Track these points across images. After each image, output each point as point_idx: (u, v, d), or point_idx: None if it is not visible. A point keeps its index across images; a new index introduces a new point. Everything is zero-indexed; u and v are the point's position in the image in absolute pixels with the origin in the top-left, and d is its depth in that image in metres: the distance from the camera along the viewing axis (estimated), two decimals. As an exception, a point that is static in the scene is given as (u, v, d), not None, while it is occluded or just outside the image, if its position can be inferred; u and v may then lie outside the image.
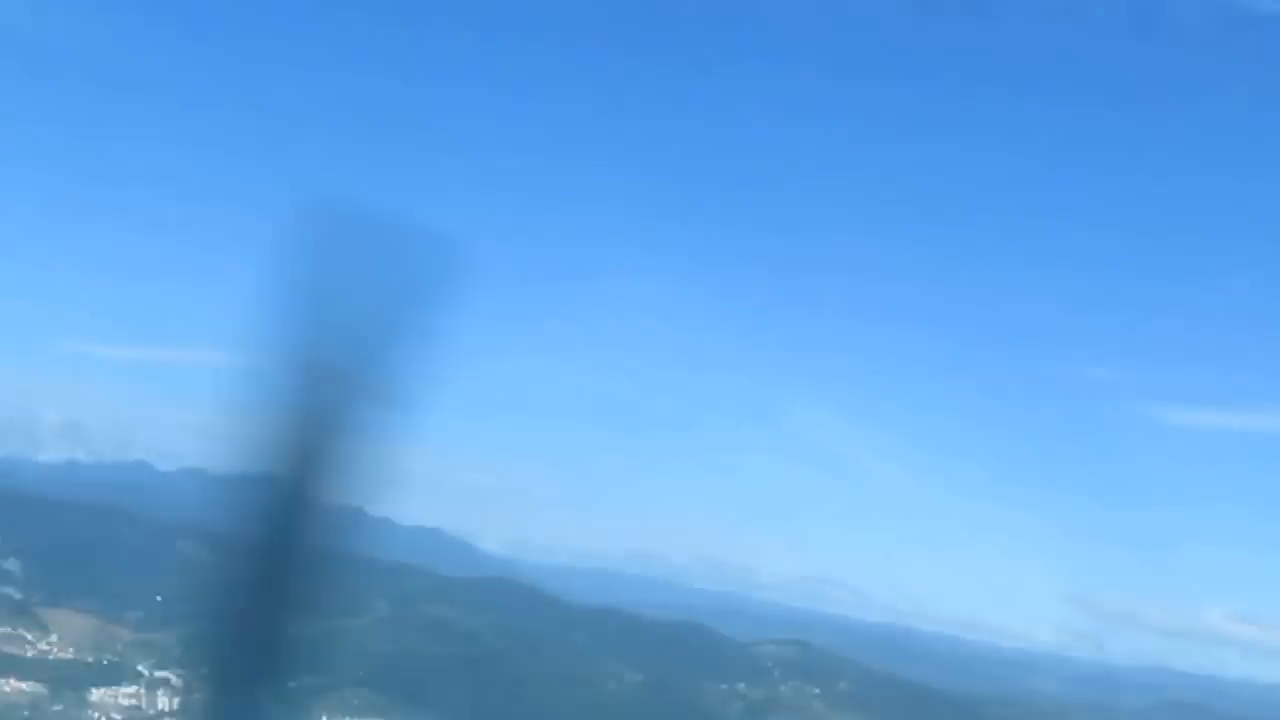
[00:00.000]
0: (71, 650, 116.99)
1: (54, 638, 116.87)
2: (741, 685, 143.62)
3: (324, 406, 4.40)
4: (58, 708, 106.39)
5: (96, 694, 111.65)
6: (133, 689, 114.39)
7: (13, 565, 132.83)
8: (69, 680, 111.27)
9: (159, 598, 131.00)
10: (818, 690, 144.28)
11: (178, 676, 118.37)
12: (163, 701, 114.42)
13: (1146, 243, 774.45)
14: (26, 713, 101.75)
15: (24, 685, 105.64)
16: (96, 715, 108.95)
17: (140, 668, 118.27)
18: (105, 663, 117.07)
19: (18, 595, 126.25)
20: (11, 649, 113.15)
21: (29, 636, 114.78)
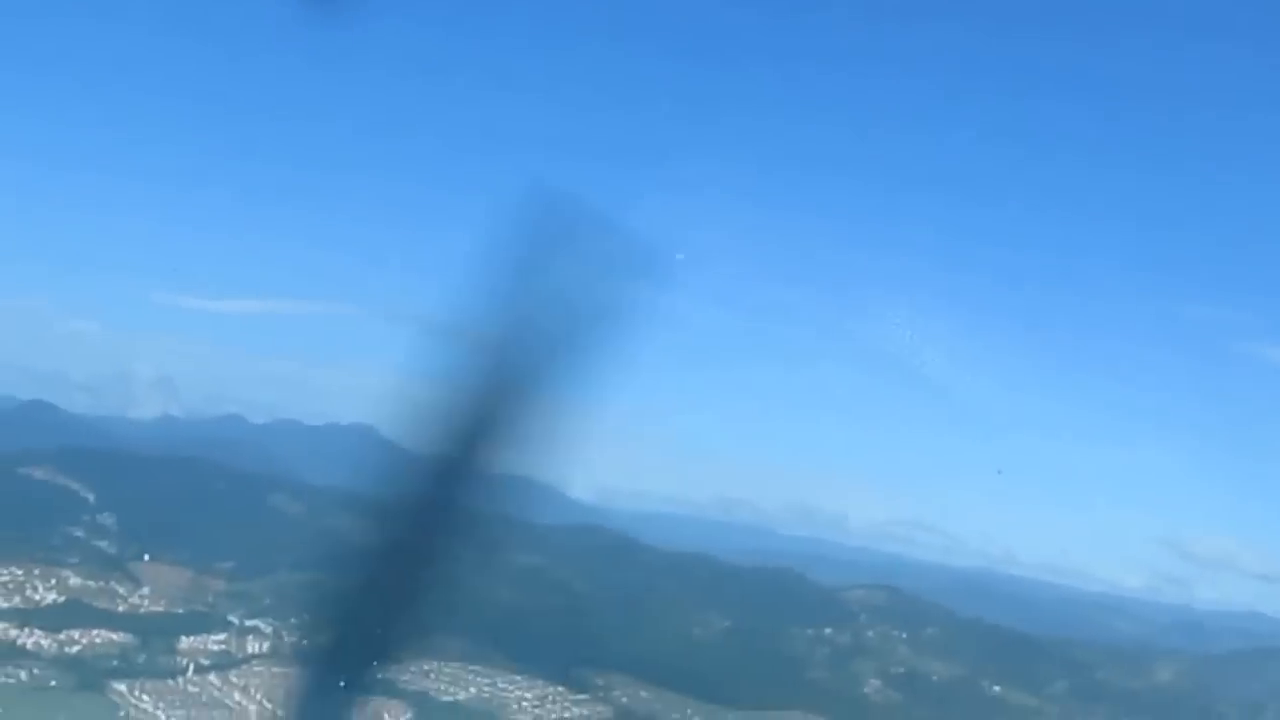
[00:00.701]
0: (163, 603, 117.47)
1: (145, 590, 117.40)
2: (828, 630, 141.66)
3: (504, 377, 4.18)
4: (142, 658, 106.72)
5: (186, 642, 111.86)
6: (222, 636, 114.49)
7: (107, 520, 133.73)
8: (159, 629, 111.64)
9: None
10: (905, 635, 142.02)
11: (268, 625, 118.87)
12: (252, 646, 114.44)
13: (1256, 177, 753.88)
14: (115, 661, 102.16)
15: (114, 636, 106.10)
16: (184, 661, 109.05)
17: (231, 617, 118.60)
18: (196, 613, 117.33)
19: (111, 550, 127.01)
20: (103, 603, 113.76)
21: (121, 590, 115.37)
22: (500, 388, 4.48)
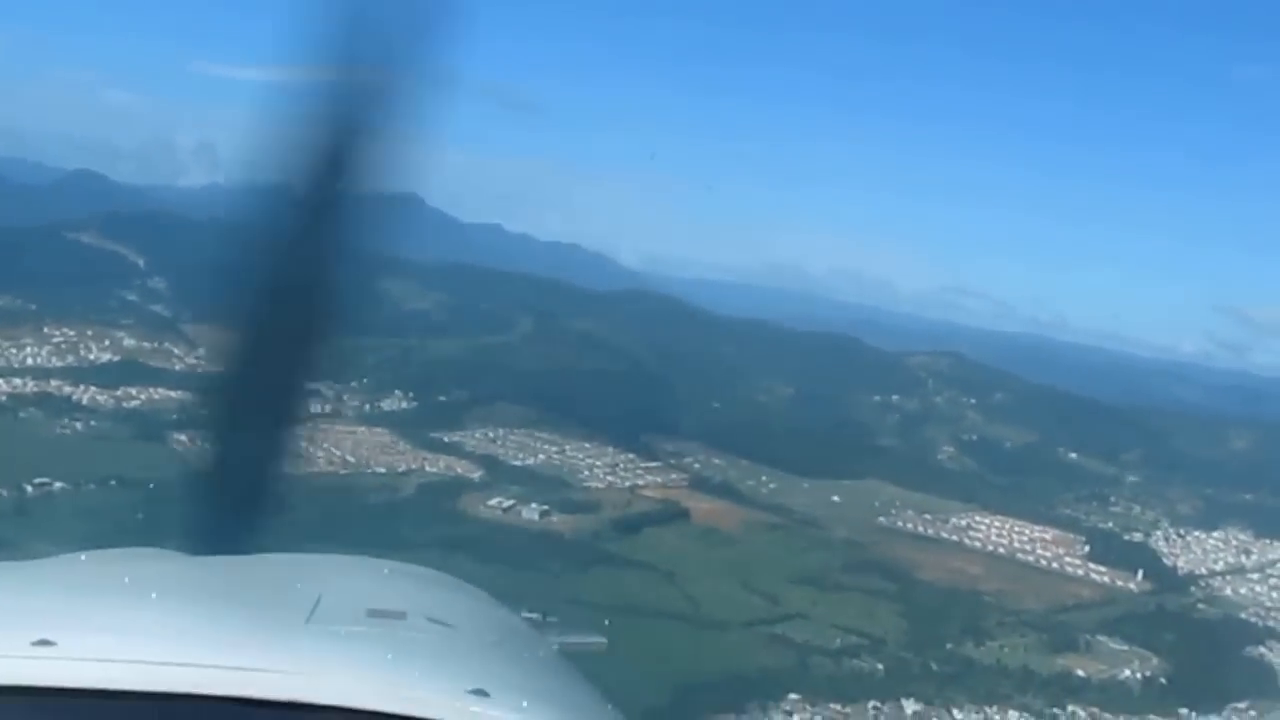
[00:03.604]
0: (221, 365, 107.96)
1: (202, 352, 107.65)
2: (895, 397, 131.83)
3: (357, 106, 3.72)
4: (204, 413, 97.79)
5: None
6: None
7: (159, 284, 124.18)
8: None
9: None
10: (973, 401, 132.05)
11: (330, 388, 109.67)
12: (314, 407, 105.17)
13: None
14: (175, 416, 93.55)
15: (173, 393, 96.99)
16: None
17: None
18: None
19: (165, 312, 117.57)
20: (159, 363, 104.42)
21: (177, 351, 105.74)
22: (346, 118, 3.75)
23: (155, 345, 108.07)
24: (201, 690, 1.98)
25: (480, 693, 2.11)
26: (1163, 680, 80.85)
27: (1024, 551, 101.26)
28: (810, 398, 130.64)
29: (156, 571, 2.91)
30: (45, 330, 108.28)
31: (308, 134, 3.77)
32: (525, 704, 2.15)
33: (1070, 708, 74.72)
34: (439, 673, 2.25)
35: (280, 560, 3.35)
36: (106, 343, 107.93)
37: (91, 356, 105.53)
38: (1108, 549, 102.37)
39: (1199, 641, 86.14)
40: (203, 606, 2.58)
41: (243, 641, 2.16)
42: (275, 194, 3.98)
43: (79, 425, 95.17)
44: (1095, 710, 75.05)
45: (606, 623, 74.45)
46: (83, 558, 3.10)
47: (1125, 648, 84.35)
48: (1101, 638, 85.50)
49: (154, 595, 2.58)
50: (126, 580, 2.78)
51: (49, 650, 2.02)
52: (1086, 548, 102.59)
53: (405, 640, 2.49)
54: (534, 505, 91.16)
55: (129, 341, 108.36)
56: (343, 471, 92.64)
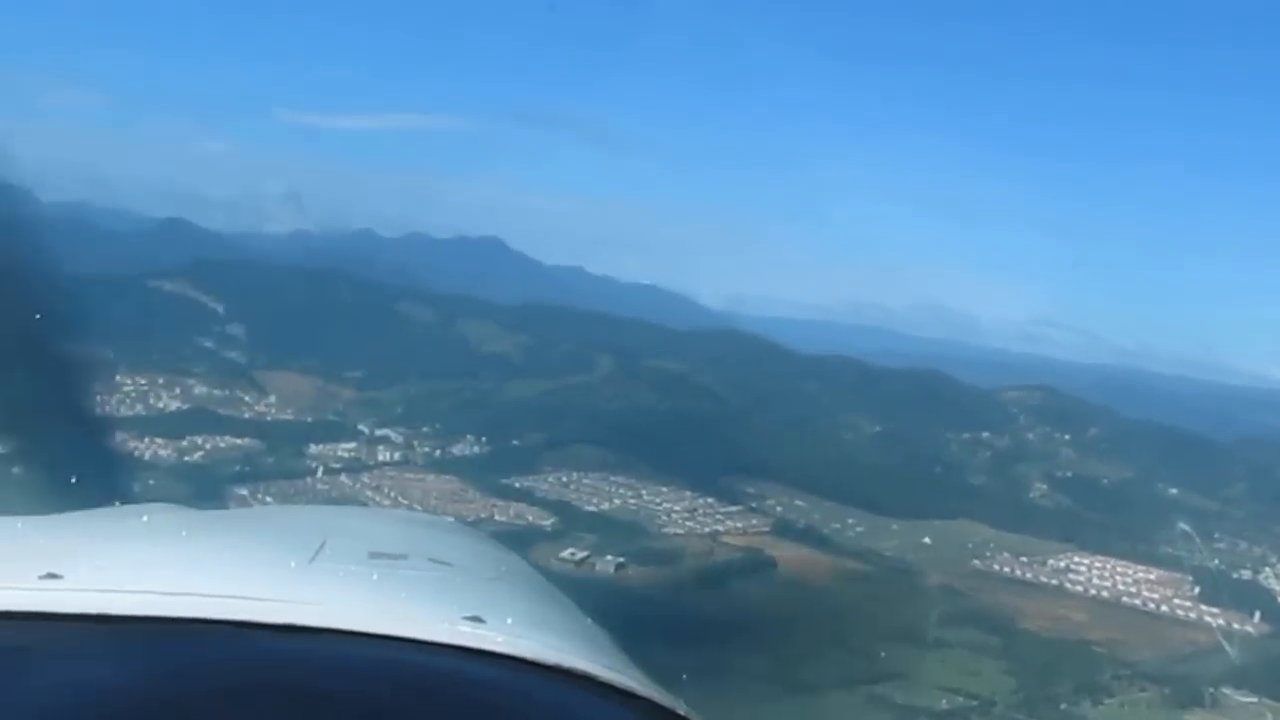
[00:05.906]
0: (291, 411, 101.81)
1: (272, 399, 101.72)
2: (986, 434, 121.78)
3: None
4: (270, 460, 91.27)
5: (315, 449, 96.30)
6: (352, 444, 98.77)
7: (236, 330, 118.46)
8: (286, 436, 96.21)
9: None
10: (1067, 436, 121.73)
11: (399, 434, 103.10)
12: (384, 454, 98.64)
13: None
14: (239, 466, 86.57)
15: (239, 441, 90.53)
16: (314, 465, 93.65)
17: (361, 426, 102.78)
18: (325, 421, 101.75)
19: (240, 359, 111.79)
20: (228, 410, 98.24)
21: (247, 398, 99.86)
22: None
23: (226, 393, 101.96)
24: (202, 615, 1.99)
25: (475, 619, 2.13)
26: (1299, 738, 70.41)
27: (1130, 594, 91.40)
28: (897, 435, 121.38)
29: (164, 521, 2.93)
30: (117, 379, 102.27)
31: None
32: (510, 620, 2.15)
33: (1204, 773, 64.65)
34: (436, 602, 2.28)
35: (286, 511, 3.50)
36: (178, 390, 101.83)
37: (161, 405, 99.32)
38: (1218, 589, 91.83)
39: (1333, 692, 75.54)
40: (207, 547, 2.61)
41: (245, 576, 2.23)
42: None
43: (135, 487, 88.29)
44: (1231, 776, 64.86)
45: (683, 676, 65.94)
46: (93, 513, 3.05)
47: (1254, 700, 74.06)
48: (1226, 690, 75.29)
49: (161, 539, 2.64)
50: (134, 527, 2.85)
51: (56, 583, 2.06)
52: (1196, 588, 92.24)
53: (405, 578, 2.49)
54: (609, 557, 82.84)
55: (200, 389, 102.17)
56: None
